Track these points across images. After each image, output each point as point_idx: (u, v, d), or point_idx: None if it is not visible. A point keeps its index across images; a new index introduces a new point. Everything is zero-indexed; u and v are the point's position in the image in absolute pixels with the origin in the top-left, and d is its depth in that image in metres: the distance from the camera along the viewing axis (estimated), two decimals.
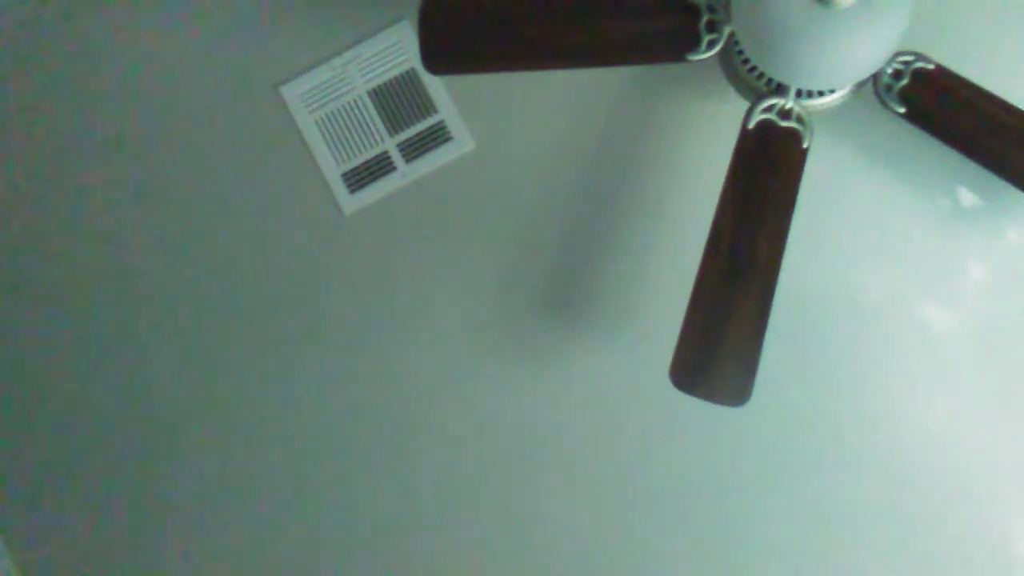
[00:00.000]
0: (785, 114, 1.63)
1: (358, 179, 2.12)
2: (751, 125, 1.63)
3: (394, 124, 2.13)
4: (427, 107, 2.12)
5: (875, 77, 1.61)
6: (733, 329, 1.67)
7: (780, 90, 1.64)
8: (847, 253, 2.06)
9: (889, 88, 1.61)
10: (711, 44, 1.61)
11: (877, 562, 2.08)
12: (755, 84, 1.69)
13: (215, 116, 2.13)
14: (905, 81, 1.60)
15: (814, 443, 2.08)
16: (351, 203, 2.13)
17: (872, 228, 2.05)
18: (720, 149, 1.75)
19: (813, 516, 2.09)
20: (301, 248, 2.14)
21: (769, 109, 1.62)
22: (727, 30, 1.61)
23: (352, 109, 2.12)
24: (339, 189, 2.13)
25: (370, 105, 2.13)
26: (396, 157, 2.12)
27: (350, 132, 2.13)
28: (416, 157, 2.12)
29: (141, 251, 2.16)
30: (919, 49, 1.61)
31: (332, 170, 2.13)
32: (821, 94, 1.68)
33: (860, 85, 1.68)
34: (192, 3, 2.12)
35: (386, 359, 2.15)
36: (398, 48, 2.11)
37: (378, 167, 2.12)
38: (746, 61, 1.68)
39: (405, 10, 2.10)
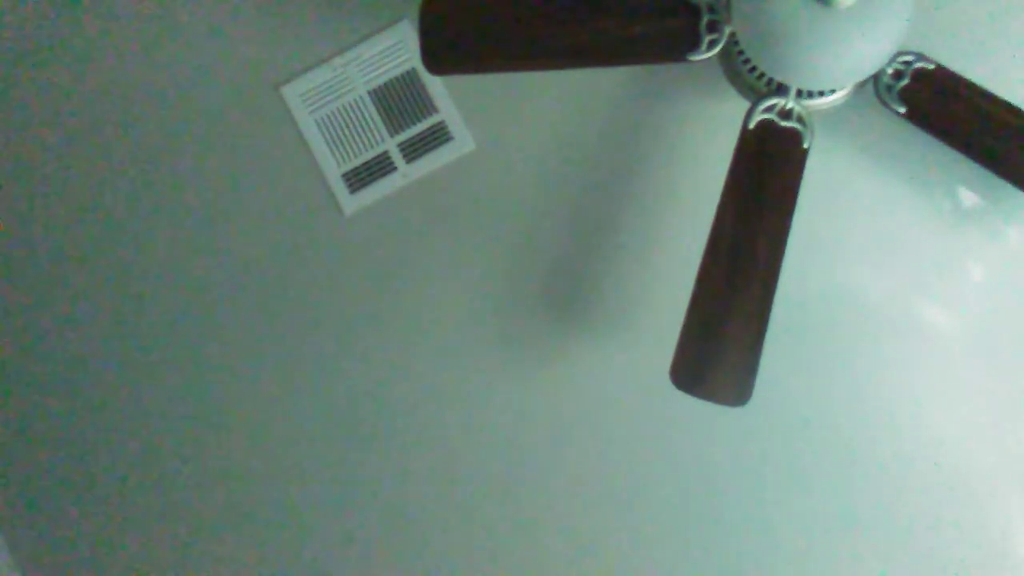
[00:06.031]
0: (785, 114, 1.63)
1: (358, 179, 2.12)
2: (751, 125, 1.63)
3: (394, 124, 2.13)
4: (427, 107, 2.12)
5: (875, 77, 1.62)
6: (733, 329, 1.67)
7: (780, 90, 1.64)
8: (847, 253, 2.06)
9: (889, 88, 1.61)
10: (711, 44, 1.62)
11: (877, 562, 2.08)
12: (755, 84, 1.69)
13: (215, 116, 2.13)
14: (905, 81, 1.60)
15: (814, 443, 2.08)
16: (351, 203, 2.13)
17: (872, 228, 2.05)
18: (720, 149, 1.75)
19: (813, 515, 2.09)
20: (301, 248, 2.14)
21: (769, 109, 1.63)
22: (727, 30, 1.61)
23: (352, 109, 2.12)
24: (339, 189, 2.13)
25: (370, 105, 2.13)
26: (396, 157, 2.12)
27: (350, 132, 2.13)
28: (416, 157, 2.12)
29: (141, 251, 2.16)
30: (919, 49, 1.61)
31: (332, 170, 2.13)
32: (822, 94, 1.68)
33: (860, 85, 1.68)
34: (192, 3, 2.12)
35: (386, 359, 2.15)
36: (398, 48, 2.11)
37: (378, 167, 2.12)
38: (746, 61, 1.68)
39: (405, 10, 2.10)
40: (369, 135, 2.13)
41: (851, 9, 1.38)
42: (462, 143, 2.11)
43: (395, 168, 2.13)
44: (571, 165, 2.09)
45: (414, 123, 2.12)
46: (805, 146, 1.63)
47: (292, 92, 2.12)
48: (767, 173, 1.64)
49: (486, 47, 1.66)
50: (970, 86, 1.60)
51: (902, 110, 1.62)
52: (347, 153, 2.13)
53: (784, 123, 1.63)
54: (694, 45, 1.62)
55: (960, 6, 1.97)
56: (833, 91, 1.69)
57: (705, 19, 1.60)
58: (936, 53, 1.62)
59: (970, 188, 2.02)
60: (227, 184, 2.14)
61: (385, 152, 2.13)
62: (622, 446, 2.12)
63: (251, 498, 2.19)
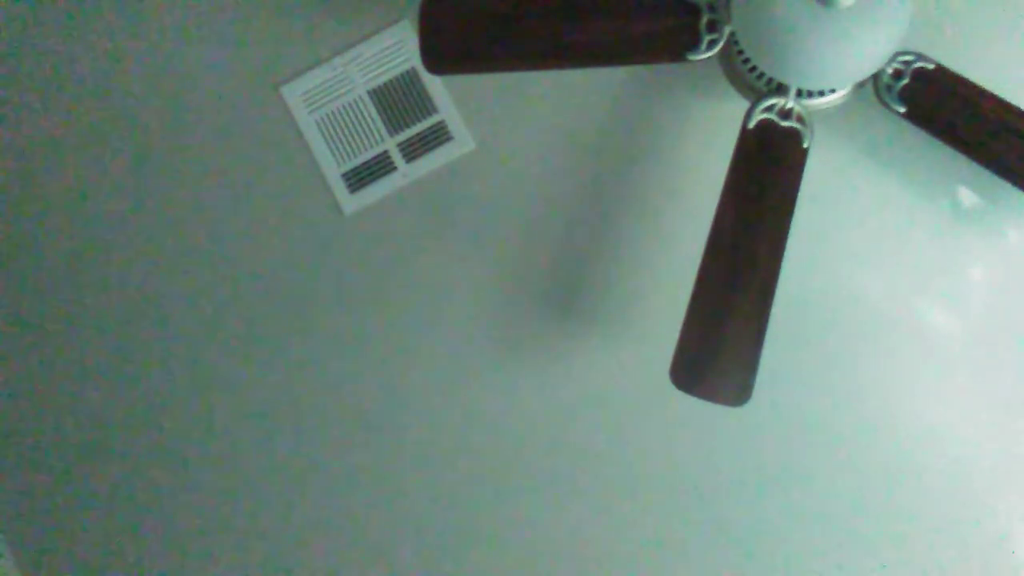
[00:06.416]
0: (785, 114, 1.63)
1: (358, 179, 2.12)
2: (751, 125, 1.63)
3: (394, 124, 2.13)
4: (427, 107, 2.12)
5: (875, 77, 1.62)
6: (733, 329, 1.67)
7: (780, 90, 1.64)
8: (847, 253, 2.06)
9: (889, 88, 1.61)
10: (711, 44, 1.62)
11: (877, 562, 2.08)
12: (755, 84, 1.69)
13: (215, 116, 2.13)
14: (905, 81, 1.60)
15: (814, 443, 2.08)
16: (351, 203, 2.13)
17: (872, 228, 2.05)
18: (720, 149, 1.75)
19: (813, 515, 2.09)
20: (301, 248, 2.14)
21: (769, 109, 1.63)
22: (727, 30, 1.61)
23: (352, 109, 2.12)
24: (339, 189, 2.13)
25: (370, 105, 2.13)
26: (396, 157, 2.12)
27: (350, 132, 2.13)
28: (416, 157, 2.12)
29: (140, 251, 2.16)
30: (919, 49, 1.61)
31: (332, 170, 2.13)
32: (821, 94, 1.68)
33: (860, 85, 1.68)
34: (193, 4, 2.12)
35: (385, 359, 2.14)
36: (398, 48, 2.11)
37: (378, 167, 2.12)
38: (746, 61, 1.68)
39: (405, 10, 2.10)
40: (369, 135, 2.13)
41: (851, 9, 1.38)
42: (462, 143, 2.11)
43: (395, 168, 2.12)
44: (571, 165, 2.09)
45: (414, 123, 2.12)
46: (805, 146, 1.63)
47: (292, 92, 2.12)
48: (767, 173, 1.64)
49: (486, 47, 1.66)
50: (970, 86, 1.60)
51: (902, 110, 1.62)
52: (347, 153, 2.13)
53: (784, 123, 1.63)
54: (694, 45, 1.62)
55: (960, 6, 1.97)
56: (833, 91, 1.69)
57: (705, 19, 1.60)
58: (936, 53, 1.62)
59: (970, 188, 2.02)
60: (227, 184, 2.14)
61: (385, 152, 2.13)
62: (622, 446, 2.12)
63: (251, 499, 2.19)
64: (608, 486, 2.13)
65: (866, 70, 1.50)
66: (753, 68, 1.68)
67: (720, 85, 1.83)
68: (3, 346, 2.20)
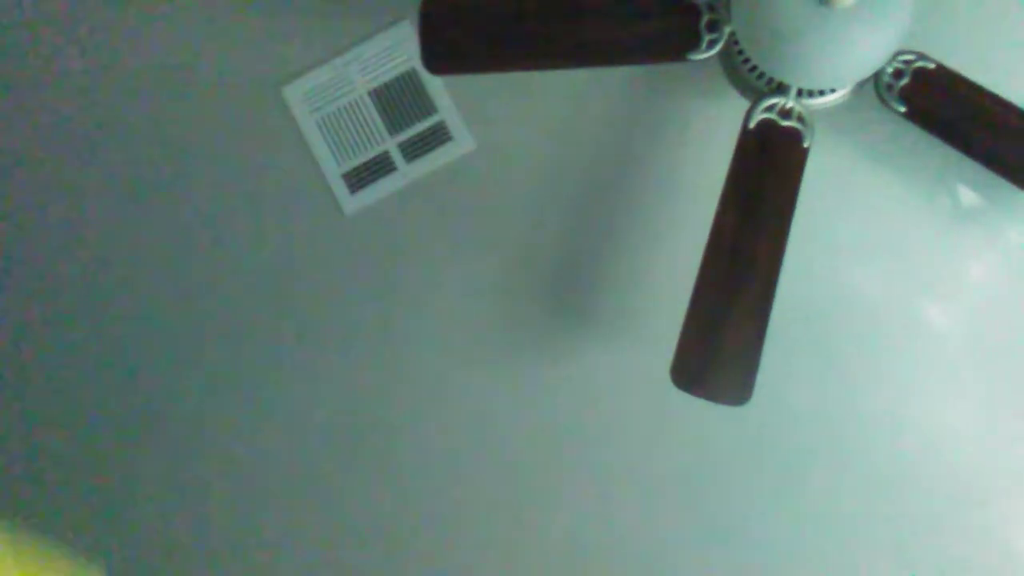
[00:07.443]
0: (786, 113, 1.63)
1: (358, 179, 2.12)
2: (752, 125, 1.63)
3: (394, 124, 2.13)
4: (427, 107, 2.12)
5: (876, 76, 1.62)
6: (733, 329, 1.67)
7: (781, 89, 1.64)
8: (847, 253, 2.06)
9: (890, 87, 1.61)
10: (711, 44, 1.62)
11: (877, 562, 2.08)
12: (756, 84, 1.69)
13: (216, 116, 2.13)
14: (906, 80, 1.60)
15: (814, 442, 2.08)
16: (351, 203, 2.13)
17: (872, 228, 2.05)
18: (720, 149, 1.75)
19: (813, 516, 2.09)
20: (301, 248, 2.14)
21: (770, 109, 1.63)
22: (727, 30, 1.61)
23: (353, 109, 2.13)
24: (339, 189, 2.13)
25: (371, 105, 2.13)
26: (396, 157, 2.12)
27: (351, 132, 2.13)
28: (416, 157, 2.12)
29: (139, 251, 2.16)
30: (919, 49, 1.61)
31: (332, 170, 2.13)
32: (822, 93, 1.68)
33: (861, 84, 1.68)
34: (193, 4, 2.12)
35: (385, 359, 2.15)
36: (398, 48, 2.11)
37: (378, 167, 2.12)
38: (747, 61, 1.68)
39: (405, 10, 2.10)
40: (369, 135, 2.13)
41: (851, 8, 1.38)
42: (462, 143, 2.11)
43: (395, 168, 2.13)
44: (571, 165, 2.09)
45: (414, 123, 2.13)
46: (805, 145, 1.63)
47: (293, 92, 2.12)
48: (767, 172, 1.64)
49: (486, 47, 1.66)
50: (971, 85, 1.60)
51: (902, 109, 1.62)
52: (347, 153, 2.13)
53: (784, 122, 1.63)
54: (694, 45, 1.62)
55: (960, 6, 1.97)
56: (833, 90, 1.69)
57: (705, 19, 1.60)
58: (936, 53, 1.62)
59: (970, 188, 2.02)
60: (227, 184, 2.14)
61: (385, 152, 2.13)
62: (622, 446, 2.12)
63: (249, 499, 2.19)
64: (608, 486, 2.13)
65: (866, 70, 1.50)
66: (753, 68, 1.68)
67: (720, 85, 1.83)
68: (2, 344, 2.20)
